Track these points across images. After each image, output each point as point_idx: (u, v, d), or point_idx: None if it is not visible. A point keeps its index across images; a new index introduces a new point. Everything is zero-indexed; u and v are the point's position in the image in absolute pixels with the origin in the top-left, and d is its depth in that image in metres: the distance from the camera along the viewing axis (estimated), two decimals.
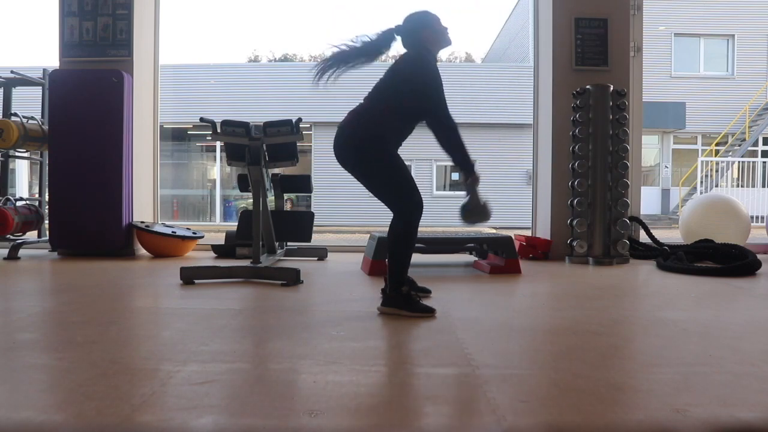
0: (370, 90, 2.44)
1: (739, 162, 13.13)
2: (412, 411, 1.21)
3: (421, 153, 14.12)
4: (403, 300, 2.23)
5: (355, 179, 2.36)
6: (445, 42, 2.46)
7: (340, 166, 2.36)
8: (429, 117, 2.34)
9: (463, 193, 2.41)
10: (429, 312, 2.23)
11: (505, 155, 12.86)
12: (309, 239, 4.05)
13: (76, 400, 1.25)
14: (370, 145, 2.27)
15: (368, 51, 2.45)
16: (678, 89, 15.11)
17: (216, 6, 32.20)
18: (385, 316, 2.19)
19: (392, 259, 2.27)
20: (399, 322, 2.08)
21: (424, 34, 2.40)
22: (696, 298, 2.64)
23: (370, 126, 2.29)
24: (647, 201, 13.46)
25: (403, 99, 2.31)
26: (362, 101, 2.42)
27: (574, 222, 4.01)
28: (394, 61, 2.46)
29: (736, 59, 15.51)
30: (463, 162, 2.32)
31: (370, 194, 2.38)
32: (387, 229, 2.33)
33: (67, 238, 4.19)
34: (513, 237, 3.62)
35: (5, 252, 4.11)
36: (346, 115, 2.39)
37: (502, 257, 3.44)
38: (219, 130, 3.08)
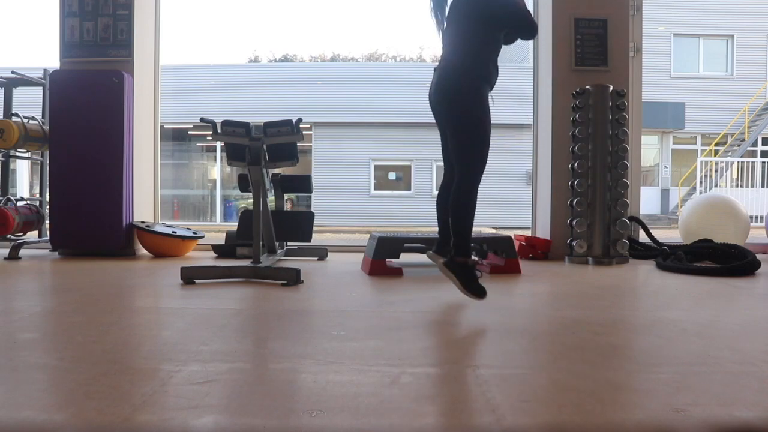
0: (446, 36, 2.52)
1: (738, 162, 13.14)
2: (412, 411, 1.21)
3: (421, 153, 14.23)
4: (465, 272, 2.24)
5: (440, 128, 2.51)
6: None
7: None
8: (512, 23, 2.43)
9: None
10: (481, 294, 2.24)
11: (504, 155, 12.86)
12: (309, 239, 4.05)
13: (77, 399, 1.25)
14: (472, 87, 2.35)
15: None
16: (677, 89, 15.12)
17: (216, 6, 32.20)
18: (385, 315, 2.19)
19: (458, 223, 2.30)
20: (399, 322, 2.08)
21: None
22: (695, 298, 2.64)
23: (473, 66, 2.37)
24: (647, 201, 13.45)
25: (486, 24, 2.39)
26: (445, 47, 2.51)
27: (574, 222, 4.01)
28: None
29: (735, 59, 15.51)
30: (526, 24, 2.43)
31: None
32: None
33: (67, 238, 4.19)
34: (513, 237, 3.62)
35: (6, 252, 4.11)
36: (439, 65, 2.49)
37: (501, 257, 3.43)
38: (219, 131, 3.08)
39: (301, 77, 14.69)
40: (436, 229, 2.66)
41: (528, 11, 2.43)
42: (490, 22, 2.40)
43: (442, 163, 2.65)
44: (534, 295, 2.73)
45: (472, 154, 2.36)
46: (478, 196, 2.38)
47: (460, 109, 2.37)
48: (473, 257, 2.34)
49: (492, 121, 2.40)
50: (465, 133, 2.38)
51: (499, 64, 2.47)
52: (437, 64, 2.52)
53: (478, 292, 2.29)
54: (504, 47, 2.52)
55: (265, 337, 1.85)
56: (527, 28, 2.45)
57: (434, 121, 2.54)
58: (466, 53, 2.40)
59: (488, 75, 2.40)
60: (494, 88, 2.47)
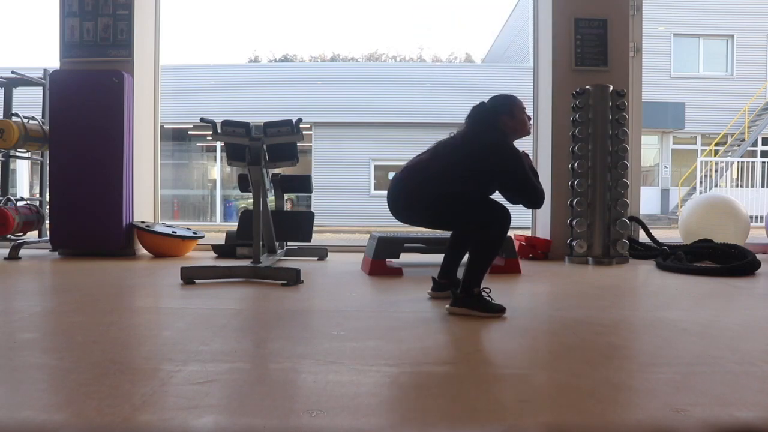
0: (430, 150, 2.43)
1: (738, 162, 13.14)
2: (412, 411, 1.21)
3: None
4: (475, 301, 2.22)
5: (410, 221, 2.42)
6: (523, 132, 2.43)
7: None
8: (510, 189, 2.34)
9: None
10: (500, 311, 2.22)
11: None
12: (309, 239, 4.05)
13: (77, 399, 1.25)
14: (444, 198, 2.28)
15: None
16: (677, 89, 15.11)
17: (216, 6, 32.20)
18: (385, 315, 2.19)
19: (477, 264, 2.23)
20: (399, 322, 2.08)
21: (503, 120, 2.37)
22: (695, 298, 2.64)
23: (452, 186, 2.28)
24: (647, 201, 13.46)
25: (483, 179, 2.31)
26: (424, 160, 2.40)
27: (574, 222, 4.01)
28: (459, 132, 2.43)
29: (735, 59, 15.51)
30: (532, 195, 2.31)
31: (400, 218, 2.42)
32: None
33: (67, 238, 4.19)
34: (513, 237, 3.62)
35: (6, 252, 4.11)
36: (403, 171, 2.42)
37: (501, 257, 3.44)
38: (219, 131, 3.08)
39: (301, 77, 14.69)
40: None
41: (532, 185, 2.30)
42: (484, 177, 2.30)
43: None
44: (534, 295, 2.73)
45: (477, 223, 2.24)
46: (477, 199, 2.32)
47: (429, 214, 2.33)
48: (477, 288, 2.25)
49: None
50: (453, 222, 2.38)
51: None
52: (400, 172, 2.45)
53: (499, 310, 2.22)
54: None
55: (265, 337, 1.85)
56: (532, 201, 2.33)
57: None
58: (439, 184, 2.29)
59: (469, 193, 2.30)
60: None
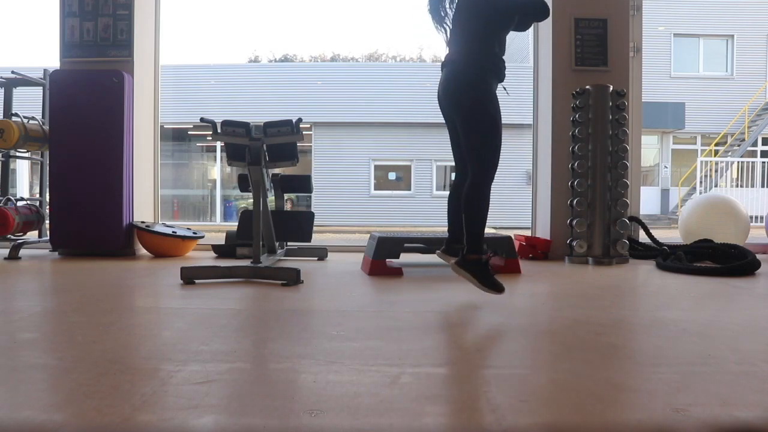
0: (452, 35, 2.54)
1: (738, 162, 13.14)
2: (412, 411, 1.21)
3: (421, 153, 14.23)
4: (480, 269, 2.24)
5: (450, 127, 2.53)
6: None
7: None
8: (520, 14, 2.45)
9: None
10: (500, 289, 2.25)
11: (504, 155, 12.80)
12: (309, 239, 4.05)
13: (77, 399, 1.25)
14: (480, 80, 2.36)
15: None
16: (677, 89, 15.12)
17: (216, 6, 32.20)
18: (385, 315, 2.19)
19: (471, 222, 2.30)
20: (399, 322, 2.08)
21: None
22: (695, 298, 2.64)
23: (480, 60, 2.38)
24: (647, 201, 13.47)
25: (492, 21, 2.40)
26: (451, 46, 2.52)
27: (574, 222, 4.01)
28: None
29: (735, 59, 15.52)
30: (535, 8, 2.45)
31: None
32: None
33: (67, 238, 4.19)
34: (513, 237, 3.62)
35: (6, 252, 4.11)
36: (445, 63, 2.51)
37: (501, 257, 3.44)
38: (219, 131, 3.08)
39: (301, 77, 14.69)
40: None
41: None
42: (494, 19, 2.40)
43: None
44: (534, 295, 2.73)
45: (485, 149, 2.36)
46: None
47: (469, 104, 2.37)
48: (487, 253, 2.34)
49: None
50: (475, 127, 2.38)
51: None
52: (444, 59, 2.53)
53: (496, 287, 2.29)
54: (509, 42, 2.54)
55: (265, 337, 1.85)
56: (537, 14, 2.48)
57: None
58: (470, 50, 2.41)
59: (496, 68, 2.40)
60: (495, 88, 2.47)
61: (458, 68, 2.42)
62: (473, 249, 2.33)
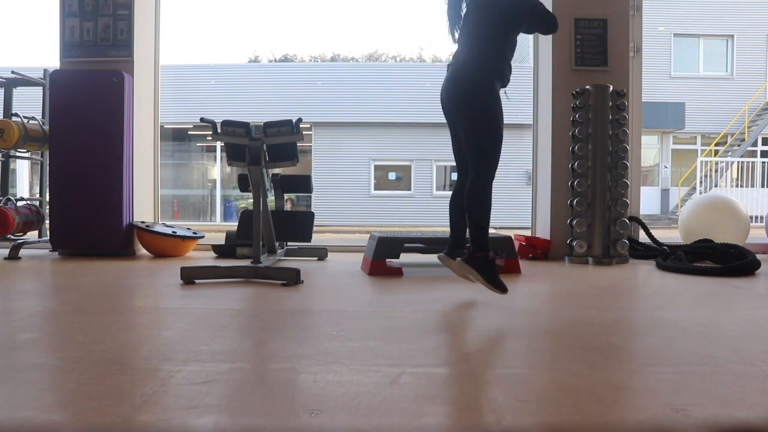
0: (462, 35, 2.56)
1: (738, 162, 13.14)
2: (412, 411, 1.21)
3: (421, 153, 14.22)
4: (486, 266, 2.26)
5: (451, 128, 2.54)
6: None
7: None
8: (529, 22, 2.50)
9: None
10: (504, 289, 2.27)
11: (504, 155, 12.82)
12: (309, 239, 4.05)
13: (77, 399, 1.25)
14: (484, 82, 2.38)
15: None
16: (677, 89, 15.12)
17: (216, 6, 32.20)
18: (384, 315, 2.19)
19: (476, 219, 2.34)
20: (399, 322, 2.08)
21: None
22: (695, 298, 2.64)
23: (485, 63, 2.41)
24: (647, 201, 13.47)
25: (501, 24, 2.43)
26: (460, 46, 2.54)
27: (574, 222, 4.01)
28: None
29: (735, 59, 15.52)
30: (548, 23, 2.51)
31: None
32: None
33: (67, 238, 4.19)
34: (513, 237, 3.62)
35: (6, 252, 4.11)
36: (452, 63, 2.54)
37: (501, 257, 3.44)
38: (219, 131, 3.08)
39: (301, 77, 14.69)
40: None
41: (545, 11, 2.49)
42: (504, 23, 2.42)
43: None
44: (534, 295, 2.73)
45: (486, 149, 2.38)
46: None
47: (472, 104, 2.39)
48: (492, 254, 2.36)
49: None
50: (477, 127, 2.40)
51: None
52: (450, 61, 2.54)
53: (501, 287, 2.32)
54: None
55: (265, 337, 1.85)
56: (547, 27, 2.53)
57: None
58: (478, 51, 2.43)
59: (500, 71, 2.41)
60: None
61: (463, 68, 2.43)
62: (479, 247, 2.35)
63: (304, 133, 3.20)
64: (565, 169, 4.23)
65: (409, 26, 41.90)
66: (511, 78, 2.48)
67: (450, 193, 2.70)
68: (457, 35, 2.59)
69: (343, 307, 2.38)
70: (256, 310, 2.32)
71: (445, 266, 2.67)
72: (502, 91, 2.48)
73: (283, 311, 2.26)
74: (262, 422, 1.14)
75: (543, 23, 2.51)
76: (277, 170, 4.32)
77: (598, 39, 4.27)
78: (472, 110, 2.39)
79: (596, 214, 3.98)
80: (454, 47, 2.58)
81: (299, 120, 3.11)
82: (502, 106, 2.42)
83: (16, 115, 4.35)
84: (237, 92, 13.91)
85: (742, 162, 13.00)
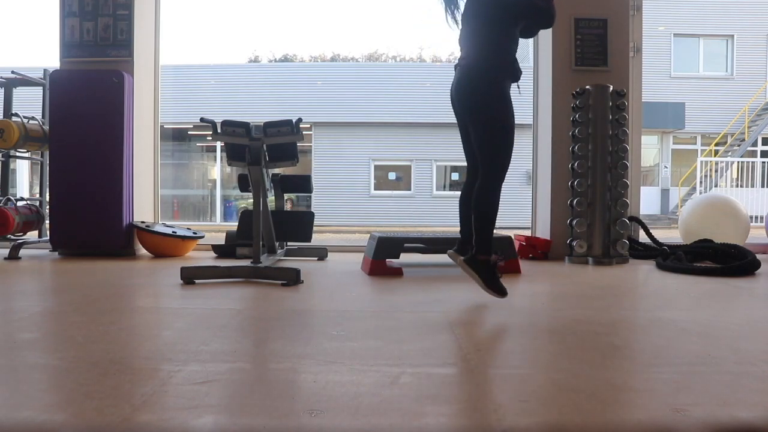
0: (463, 34, 2.54)
1: (738, 162, 13.14)
2: (412, 411, 1.21)
3: (421, 153, 14.22)
4: (488, 270, 2.26)
5: (461, 127, 2.52)
6: None
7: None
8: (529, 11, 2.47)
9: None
10: (503, 293, 2.27)
11: None
12: (309, 239, 4.05)
13: (77, 399, 1.25)
14: (493, 81, 2.36)
15: None
16: (677, 89, 15.12)
17: (216, 6, 32.19)
18: (384, 315, 2.19)
19: (480, 222, 2.32)
20: (399, 322, 2.08)
21: None
22: (695, 298, 2.64)
23: (493, 61, 2.39)
24: (647, 201, 13.46)
25: (501, 20, 2.42)
26: (463, 44, 2.53)
27: (574, 222, 4.01)
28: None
29: (735, 59, 15.52)
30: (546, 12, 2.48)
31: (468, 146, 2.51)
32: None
33: (67, 238, 4.19)
34: (513, 237, 3.62)
35: (6, 252, 4.11)
36: (459, 63, 2.51)
37: (501, 257, 3.43)
38: (219, 131, 3.08)
39: (301, 77, 14.69)
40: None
41: (541, 2, 2.47)
42: (504, 18, 2.41)
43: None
44: (534, 295, 2.73)
45: (496, 150, 2.37)
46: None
47: (481, 104, 2.38)
48: (494, 256, 2.35)
49: None
50: (487, 128, 2.38)
51: None
52: (457, 62, 2.53)
53: (500, 290, 2.32)
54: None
55: (265, 337, 1.85)
56: (544, 20, 2.51)
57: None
58: (484, 49, 2.42)
59: (511, 67, 2.40)
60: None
61: (471, 68, 2.41)
62: (482, 250, 2.35)
63: (304, 133, 3.20)
64: (565, 169, 4.23)
65: (409, 26, 41.89)
66: (521, 75, 2.46)
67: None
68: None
69: (343, 307, 2.38)
70: (256, 310, 2.32)
71: (451, 261, 2.67)
72: (514, 86, 2.46)
73: (283, 311, 2.26)
74: (262, 422, 1.14)
75: (540, 13, 2.49)
76: (277, 170, 4.32)
77: (598, 39, 4.27)
78: (480, 111, 2.38)
79: (596, 214, 3.97)
80: (455, 45, 2.58)
81: (299, 120, 3.11)
82: (512, 103, 2.40)
83: (16, 115, 4.35)
84: (237, 92, 13.91)
85: (742, 162, 12.99)
